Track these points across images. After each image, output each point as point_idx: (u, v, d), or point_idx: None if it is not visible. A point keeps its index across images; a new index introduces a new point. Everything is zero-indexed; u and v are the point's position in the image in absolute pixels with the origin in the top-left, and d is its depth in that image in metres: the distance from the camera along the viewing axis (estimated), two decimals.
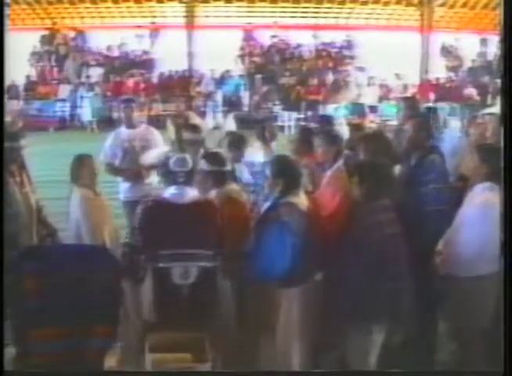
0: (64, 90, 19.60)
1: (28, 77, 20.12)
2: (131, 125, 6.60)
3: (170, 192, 4.16)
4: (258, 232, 4.09)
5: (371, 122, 16.17)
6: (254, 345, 4.12)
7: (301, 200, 4.10)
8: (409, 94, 17.97)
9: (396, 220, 3.89)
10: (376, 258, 3.77)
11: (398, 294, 3.84)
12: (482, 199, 4.06)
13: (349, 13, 21.51)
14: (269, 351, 4.09)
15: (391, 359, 4.07)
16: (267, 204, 4.15)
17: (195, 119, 7.55)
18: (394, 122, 12.43)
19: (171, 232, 4.01)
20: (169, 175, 4.20)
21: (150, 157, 6.04)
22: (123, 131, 6.63)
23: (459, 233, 4.12)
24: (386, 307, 3.82)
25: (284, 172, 4.13)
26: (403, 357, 4.22)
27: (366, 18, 21.65)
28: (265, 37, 21.47)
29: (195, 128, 6.23)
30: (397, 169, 4.75)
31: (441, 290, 4.28)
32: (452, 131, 6.60)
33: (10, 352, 3.60)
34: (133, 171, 6.40)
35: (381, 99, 19.05)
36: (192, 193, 4.17)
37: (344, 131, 6.19)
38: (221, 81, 20.09)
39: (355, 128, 6.61)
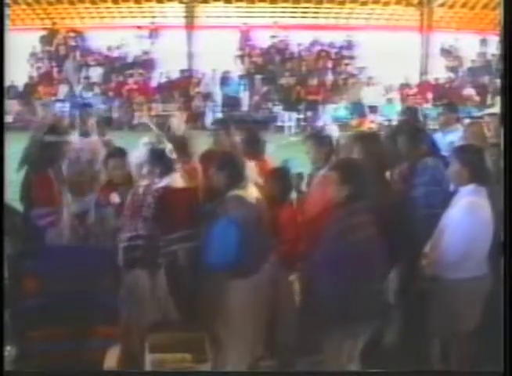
0: (64, 90, 19.59)
1: (28, 77, 20.10)
2: (84, 133, 6.27)
3: (169, 180, 4.25)
4: (207, 224, 4.09)
5: (371, 122, 16.15)
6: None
7: (249, 192, 4.08)
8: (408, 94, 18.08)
9: (372, 222, 3.77)
10: (350, 260, 3.66)
11: (372, 296, 3.74)
12: (466, 201, 4.04)
13: (349, 13, 21.50)
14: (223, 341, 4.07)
15: (374, 360, 4.05)
16: (215, 197, 4.16)
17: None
18: (393, 123, 12.43)
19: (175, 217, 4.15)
20: (165, 164, 4.27)
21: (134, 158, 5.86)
22: (74, 138, 6.29)
23: (445, 235, 4.09)
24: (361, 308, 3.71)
25: (227, 165, 4.14)
26: (386, 358, 4.21)
27: (366, 18, 21.63)
28: (264, 38, 21.42)
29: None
30: (388, 171, 4.75)
31: (427, 291, 4.23)
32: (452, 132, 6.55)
33: (10, 352, 3.60)
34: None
35: (381, 99, 19.01)
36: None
37: (335, 133, 6.16)
38: (220, 81, 20.07)
39: (347, 129, 6.58)
